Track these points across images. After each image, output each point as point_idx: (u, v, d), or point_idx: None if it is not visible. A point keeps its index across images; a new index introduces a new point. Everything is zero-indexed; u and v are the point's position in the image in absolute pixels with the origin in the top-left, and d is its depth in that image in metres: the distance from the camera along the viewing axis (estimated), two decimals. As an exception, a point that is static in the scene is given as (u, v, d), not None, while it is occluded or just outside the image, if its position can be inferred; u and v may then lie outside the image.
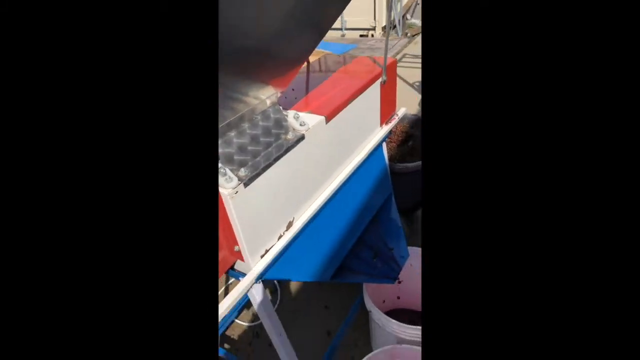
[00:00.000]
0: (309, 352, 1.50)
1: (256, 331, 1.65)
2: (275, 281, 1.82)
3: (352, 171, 1.19)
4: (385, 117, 1.41)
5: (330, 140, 1.06)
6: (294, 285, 1.85)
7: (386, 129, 1.41)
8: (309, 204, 1.04)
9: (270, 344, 1.09)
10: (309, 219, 1.02)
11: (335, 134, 1.07)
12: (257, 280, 0.88)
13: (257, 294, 0.91)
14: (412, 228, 2.07)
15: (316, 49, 0.98)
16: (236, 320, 1.68)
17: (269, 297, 0.96)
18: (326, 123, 1.01)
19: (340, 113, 1.07)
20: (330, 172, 1.11)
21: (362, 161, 1.24)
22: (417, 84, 3.67)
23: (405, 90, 3.57)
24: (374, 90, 1.25)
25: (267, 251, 0.91)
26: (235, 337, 1.65)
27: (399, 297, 1.57)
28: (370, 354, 1.10)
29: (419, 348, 1.11)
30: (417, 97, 3.45)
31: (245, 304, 1.65)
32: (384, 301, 1.56)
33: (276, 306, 1.72)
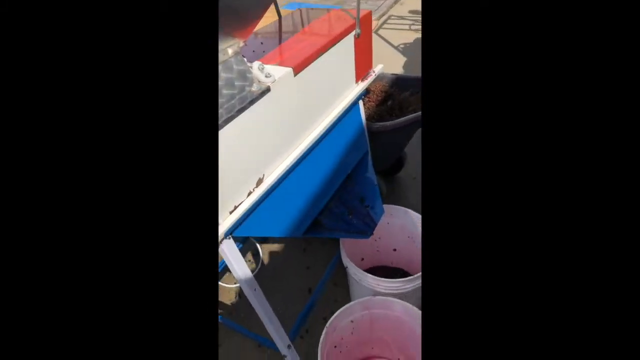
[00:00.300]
0: (291, 310, 1.54)
1: (238, 292, 1.68)
2: (257, 244, 1.84)
3: (326, 128, 1.17)
4: (361, 74, 1.37)
5: (299, 95, 1.03)
6: (275, 248, 1.87)
7: (362, 85, 1.37)
8: (280, 161, 1.03)
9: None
10: (280, 175, 1.01)
11: (305, 88, 1.04)
12: (226, 235, 0.88)
13: (228, 250, 0.91)
14: (391, 189, 2.08)
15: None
16: (220, 283, 1.70)
17: (242, 256, 0.96)
18: (294, 75, 0.98)
19: (310, 66, 1.03)
20: (302, 128, 1.09)
21: (336, 118, 1.22)
22: (402, 46, 3.58)
23: (390, 52, 3.49)
24: (347, 44, 1.21)
25: (236, 207, 0.90)
26: (219, 299, 1.69)
27: (378, 251, 1.60)
28: (345, 305, 1.13)
29: (392, 299, 1.14)
30: (402, 59, 3.38)
31: (224, 266, 1.67)
32: (362, 259, 1.60)
33: (257, 269, 1.75)
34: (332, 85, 1.20)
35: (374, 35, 2.26)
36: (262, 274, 1.75)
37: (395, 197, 2.04)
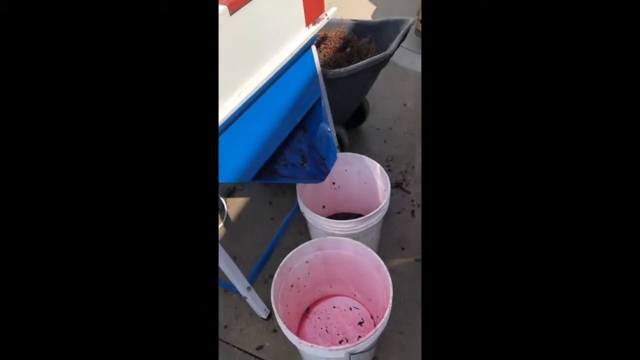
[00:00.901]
0: (254, 257, 1.60)
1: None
2: (222, 199, 1.85)
3: (273, 73, 1.15)
4: (311, 17, 1.32)
5: (239, 36, 1.00)
6: (241, 203, 1.89)
7: (313, 29, 1.33)
8: (223, 108, 1.01)
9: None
10: (224, 121, 1.00)
11: (246, 29, 1.01)
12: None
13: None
14: (355, 141, 2.10)
15: None
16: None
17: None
18: (230, 14, 0.94)
19: (248, 4, 0.99)
20: (245, 73, 1.07)
21: (285, 64, 1.19)
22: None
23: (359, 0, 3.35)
24: (292, -18, 1.15)
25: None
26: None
27: (337, 199, 1.65)
28: (298, 247, 1.18)
29: (343, 238, 1.20)
30: (372, 7, 3.26)
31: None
32: (323, 206, 1.64)
33: (223, 221, 1.78)
34: (278, 27, 1.16)
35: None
36: (227, 226, 1.78)
37: (358, 147, 2.06)
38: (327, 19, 1.40)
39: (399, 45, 1.59)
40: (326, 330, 1.34)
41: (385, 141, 2.10)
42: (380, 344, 1.31)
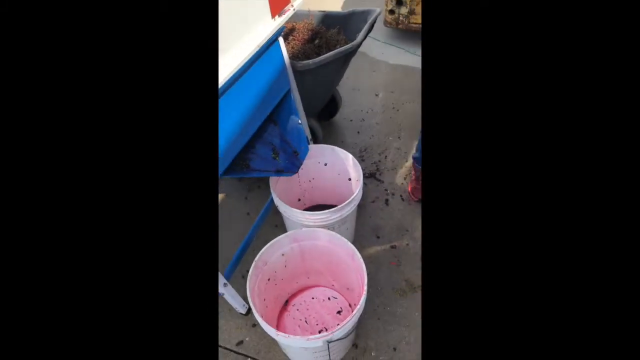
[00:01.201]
0: (230, 253, 1.58)
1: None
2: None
3: (239, 66, 1.13)
4: (276, 9, 1.31)
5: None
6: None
7: (280, 21, 1.32)
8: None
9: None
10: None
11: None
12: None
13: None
14: (328, 133, 2.11)
15: None
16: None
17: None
18: (190, 6, 0.91)
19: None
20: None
21: (252, 56, 1.18)
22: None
23: (327, -8, 3.33)
24: (254, -27, 1.14)
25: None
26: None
27: (313, 191, 1.65)
28: (274, 239, 1.18)
29: (318, 229, 1.20)
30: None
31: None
32: (299, 199, 1.65)
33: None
34: (241, 18, 1.14)
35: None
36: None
37: (332, 139, 2.07)
38: (294, 10, 1.39)
39: (366, 35, 1.60)
40: (305, 321, 1.35)
41: (358, 132, 2.12)
42: (359, 330, 1.34)
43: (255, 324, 1.39)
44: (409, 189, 1.73)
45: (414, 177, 1.68)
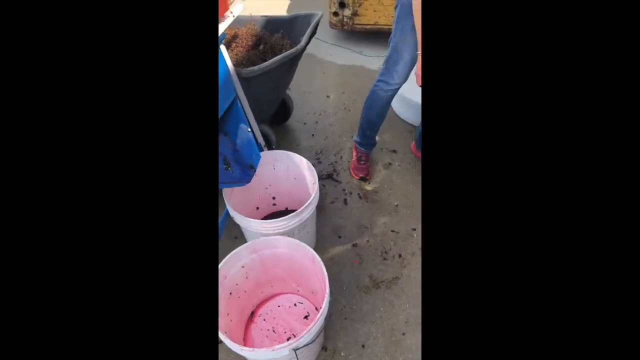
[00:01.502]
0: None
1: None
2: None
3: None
4: (215, 16, 1.28)
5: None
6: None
7: (219, 28, 1.29)
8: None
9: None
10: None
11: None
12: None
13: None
14: (282, 137, 2.10)
15: None
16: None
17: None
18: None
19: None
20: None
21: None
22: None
23: (271, -4, 3.32)
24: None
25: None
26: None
27: (272, 198, 1.64)
28: (231, 252, 1.15)
29: (276, 236, 1.19)
30: (286, 2, 3.26)
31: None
32: (257, 208, 1.62)
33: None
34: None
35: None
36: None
37: (287, 144, 2.07)
38: (233, 16, 1.36)
39: (310, 38, 1.61)
40: (273, 331, 1.33)
41: (313, 135, 2.13)
42: (328, 332, 1.34)
43: (221, 341, 1.35)
44: (351, 168, 1.90)
45: (354, 158, 1.90)
